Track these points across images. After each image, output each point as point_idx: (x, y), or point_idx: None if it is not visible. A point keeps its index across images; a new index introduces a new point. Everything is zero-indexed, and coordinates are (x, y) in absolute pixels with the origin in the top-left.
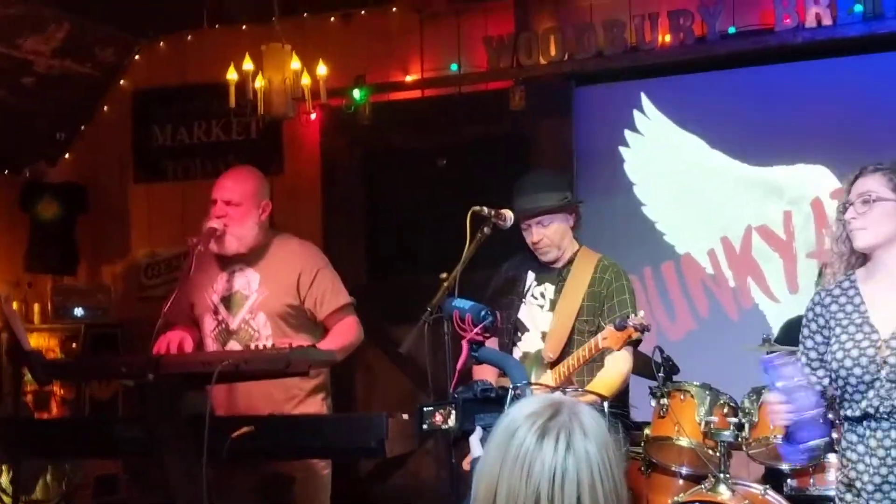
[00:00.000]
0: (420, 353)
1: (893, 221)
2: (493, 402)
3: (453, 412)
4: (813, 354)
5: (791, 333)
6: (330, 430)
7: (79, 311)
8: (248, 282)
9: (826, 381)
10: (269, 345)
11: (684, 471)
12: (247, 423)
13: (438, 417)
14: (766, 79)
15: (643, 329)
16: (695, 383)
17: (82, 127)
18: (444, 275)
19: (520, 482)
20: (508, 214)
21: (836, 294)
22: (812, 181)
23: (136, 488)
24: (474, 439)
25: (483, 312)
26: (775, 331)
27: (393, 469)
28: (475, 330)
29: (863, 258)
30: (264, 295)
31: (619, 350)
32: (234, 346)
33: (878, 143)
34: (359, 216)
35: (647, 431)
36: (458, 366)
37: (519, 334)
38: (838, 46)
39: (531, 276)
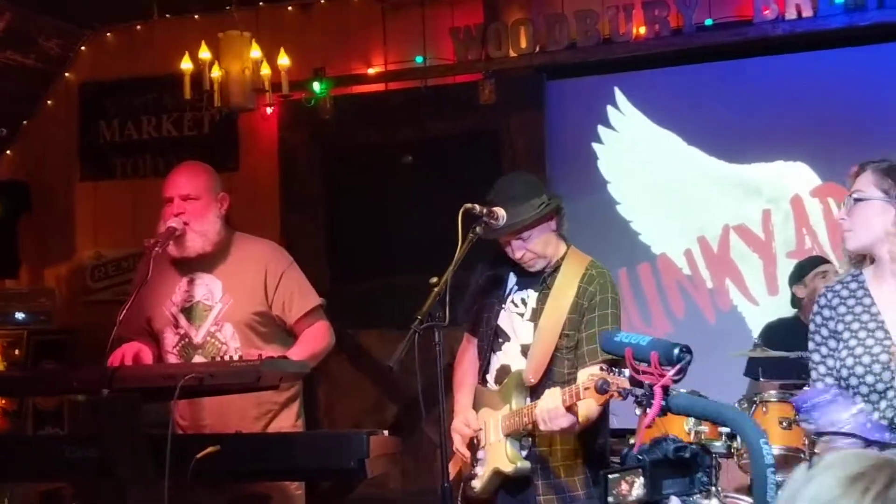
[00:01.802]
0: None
1: (881, 220)
2: (686, 465)
3: (639, 479)
4: (831, 363)
5: (773, 337)
6: (305, 449)
7: (20, 316)
8: (209, 290)
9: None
10: (236, 357)
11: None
12: (213, 443)
13: (624, 486)
14: (745, 72)
15: (627, 395)
16: (682, 391)
17: (25, 122)
18: (433, 279)
19: None
20: (501, 213)
21: (844, 295)
22: (792, 178)
23: None
24: None
25: (678, 351)
26: (755, 334)
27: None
28: (671, 373)
29: (871, 257)
30: (229, 304)
31: (598, 405)
32: (199, 360)
33: (861, 139)
34: (320, 216)
35: (631, 441)
36: (647, 421)
37: (500, 340)
38: (819, 39)
39: (512, 279)
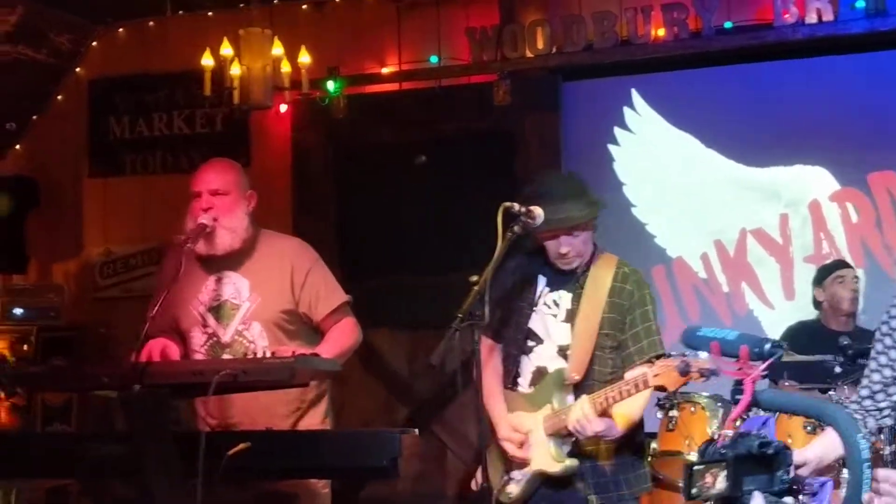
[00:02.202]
0: (396, 363)
1: None
2: (768, 461)
3: (723, 473)
4: (888, 372)
5: (796, 340)
6: (336, 447)
7: (29, 312)
8: (237, 289)
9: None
10: (267, 353)
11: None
12: (243, 440)
13: (709, 479)
14: (764, 76)
15: (710, 375)
16: (704, 395)
17: (34, 117)
18: (474, 277)
19: None
20: (538, 212)
21: None
22: (810, 183)
23: (88, 501)
24: None
25: (770, 346)
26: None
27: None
28: (761, 367)
29: None
30: (257, 303)
31: (673, 388)
32: None
33: (881, 145)
34: (331, 215)
35: (653, 445)
36: (734, 415)
37: (530, 344)
38: (840, 43)
39: (542, 280)
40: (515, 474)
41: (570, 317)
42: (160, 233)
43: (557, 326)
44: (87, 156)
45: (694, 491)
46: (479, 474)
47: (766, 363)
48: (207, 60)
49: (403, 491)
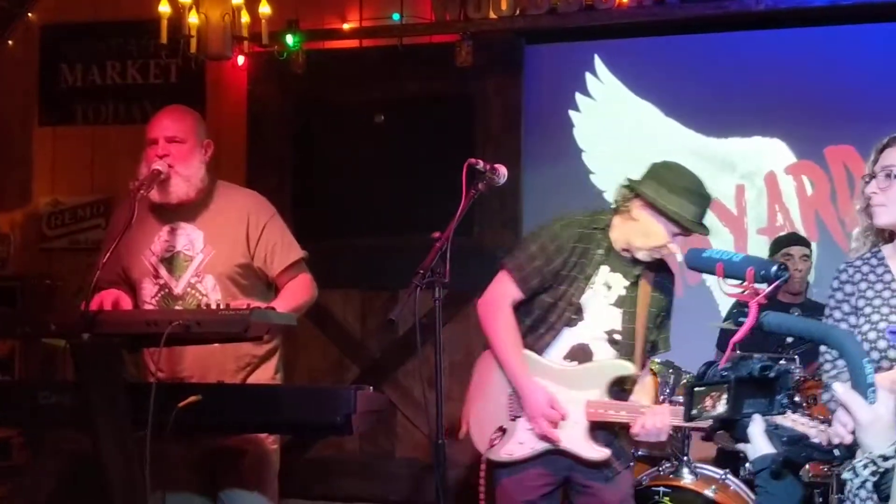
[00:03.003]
0: (348, 323)
1: None
2: (769, 385)
3: (724, 395)
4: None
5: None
6: (290, 402)
7: None
8: (190, 241)
9: None
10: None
11: (640, 452)
12: (194, 393)
13: (709, 402)
14: (726, 46)
15: None
16: (656, 361)
17: None
18: (436, 234)
19: None
20: (502, 170)
21: (865, 271)
22: (767, 155)
23: (30, 453)
24: (757, 432)
25: (775, 268)
26: (721, 308)
27: (312, 441)
28: (767, 290)
29: (890, 234)
30: (211, 255)
31: None
32: None
33: (839, 119)
34: (287, 173)
35: None
36: (737, 337)
37: (574, 317)
38: (803, 16)
39: (599, 256)
40: (521, 436)
41: (622, 304)
42: (110, 184)
43: (608, 310)
44: (36, 104)
45: (693, 412)
46: (467, 423)
47: (773, 285)
48: (164, 7)
49: (352, 451)
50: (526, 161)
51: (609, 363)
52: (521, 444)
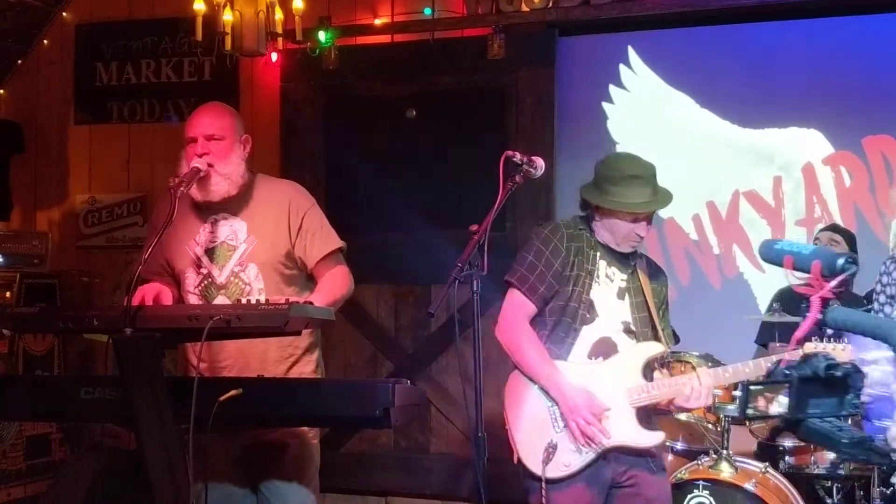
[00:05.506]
0: (382, 318)
1: None
2: (836, 385)
3: (780, 395)
4: None
5: (789, 302)
6: (330, 396)
7: (12, 259)
8: (233, 231)
9: None
10: (262, 299)
11: (678, 446)
12: (234, 386)
13: (762, 402)
14: (762, 36)
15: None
16: (695, 353)
17: (19, 61)
18: (474, 227)
19: None
20: (539, 162)
21: None
22: (805, 146)
23: (68, 448)
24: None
25: (842, 261)
26: (760, 301)
27: (348, 435)
28: (831, 284)
29: None
30: (254, 244)
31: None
32: (222, 301)
33: (877, 108)
34: (320, 168)
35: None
36: (799, 334)
37: (588, 315)
38: (841, 5)
39: (594, 252)
40: (573, 445)
41: (625, 294)
42: (146, 182)
43: (616, 302)
44: (72, 102)
45: (749, 411)
46: (516, 447)
47: (837, 279)
48: (199, 5)
49: (386, 445)
50: (559, 154)
51: (637, 348)
52: (575, 451)
